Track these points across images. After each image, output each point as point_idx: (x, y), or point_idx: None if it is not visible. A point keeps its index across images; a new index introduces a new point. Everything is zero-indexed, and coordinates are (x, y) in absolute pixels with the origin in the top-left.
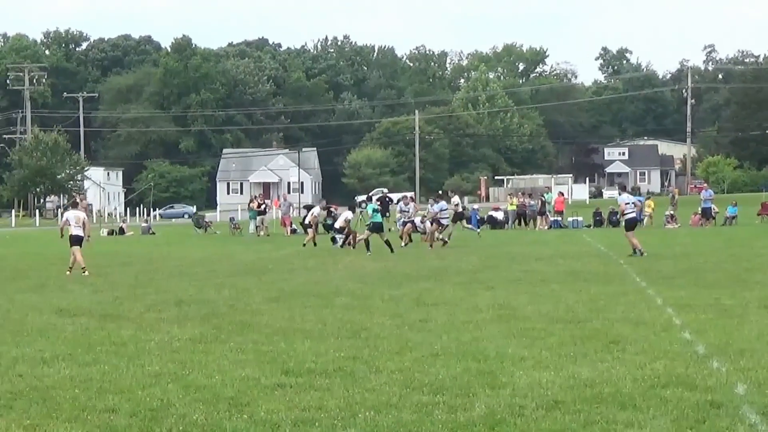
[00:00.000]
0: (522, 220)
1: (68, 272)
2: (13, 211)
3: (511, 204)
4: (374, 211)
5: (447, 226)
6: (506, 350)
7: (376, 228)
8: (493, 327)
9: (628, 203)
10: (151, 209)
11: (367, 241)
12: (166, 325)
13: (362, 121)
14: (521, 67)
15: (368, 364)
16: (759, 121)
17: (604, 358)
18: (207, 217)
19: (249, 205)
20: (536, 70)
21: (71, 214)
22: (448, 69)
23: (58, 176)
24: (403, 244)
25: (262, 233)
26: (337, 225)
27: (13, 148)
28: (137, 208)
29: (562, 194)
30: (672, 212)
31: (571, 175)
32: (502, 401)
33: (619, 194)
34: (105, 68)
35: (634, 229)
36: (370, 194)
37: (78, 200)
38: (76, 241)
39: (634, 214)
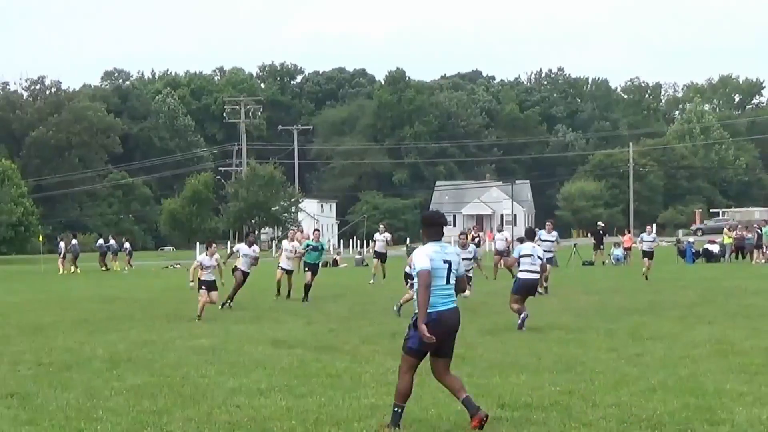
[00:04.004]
0: (741, 254)
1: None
2: (229, 242)
3: (728, 237)
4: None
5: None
6: (725, 386)
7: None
8: (710, 362)
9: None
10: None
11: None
12: (381, 357)
13: (576, 153)
14: (737, 98)
15: (584, 399)
16: None
17: None
18: None
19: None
20: (752, 102)
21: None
22: (663, 101)
23: (273, 208)
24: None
25: (474, 265)
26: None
27: (229, 180)
28: (350, 240)
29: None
30: None
31: None
32: None
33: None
34: (319, 101)
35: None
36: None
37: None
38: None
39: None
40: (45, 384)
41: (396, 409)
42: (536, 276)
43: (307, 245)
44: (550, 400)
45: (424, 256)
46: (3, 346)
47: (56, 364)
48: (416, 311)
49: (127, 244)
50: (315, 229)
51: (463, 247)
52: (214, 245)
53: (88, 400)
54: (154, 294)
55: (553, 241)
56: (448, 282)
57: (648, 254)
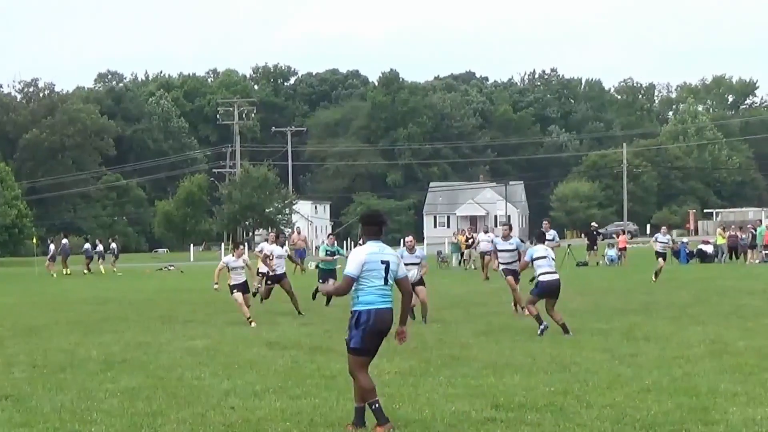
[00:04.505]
0: (735, 254)
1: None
2: (222, 244)
3: (722, 237)
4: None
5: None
6: (718, 386)
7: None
8: (704, 362)
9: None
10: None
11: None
12: (376, 359)
13: (569, 154)
14: (730, 98)
15: (579, 399)
16: None
17: None
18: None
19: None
20: (746, 102)
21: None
22: (656, 101)
23: (267, 210)
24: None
25: (470, 266)
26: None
27: (223, 182)
28: (344, 242)
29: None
30: None
31: None
32: None
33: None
34: (313, 102)
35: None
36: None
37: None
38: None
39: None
40: (39, 386)
41: (374, 406)
42: (557, 276)
43: (325, 251)
44: (544, 401)
45: (357, 261)
46: None
47: (51, 365)
48: (352, 309)
49: (113, 245)
50: (329, 234)
51: (505, 238)
52: (241, 247)
53: (83, 402)
54: (149, 295)
55: (551, 240)
56: (385, 282)
57: (661, 255)
